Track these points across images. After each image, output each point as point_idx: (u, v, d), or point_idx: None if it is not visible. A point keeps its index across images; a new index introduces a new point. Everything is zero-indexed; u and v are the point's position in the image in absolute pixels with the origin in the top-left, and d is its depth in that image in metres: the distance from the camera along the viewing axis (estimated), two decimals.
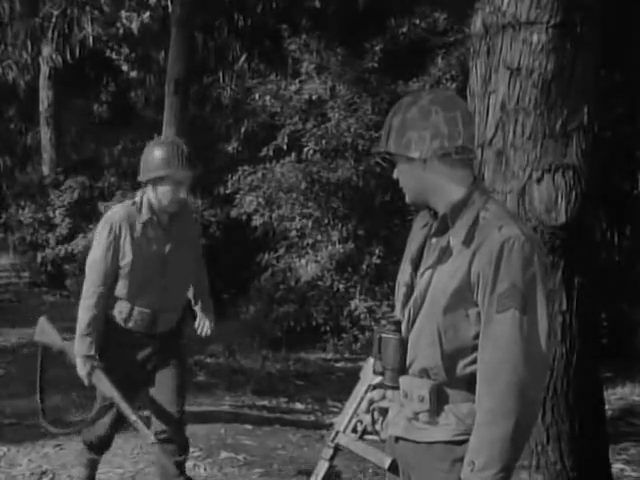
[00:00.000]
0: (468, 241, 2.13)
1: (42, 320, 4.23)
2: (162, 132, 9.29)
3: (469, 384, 2.13)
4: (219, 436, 5.62)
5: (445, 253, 2.16)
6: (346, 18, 9.07)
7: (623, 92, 7.83)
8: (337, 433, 2.36)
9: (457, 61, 7.76)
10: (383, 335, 2.21)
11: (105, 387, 3.96)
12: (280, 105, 8.91)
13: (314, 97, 8.68)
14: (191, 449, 5.24)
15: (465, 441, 2.13)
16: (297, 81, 8.97)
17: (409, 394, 2.18)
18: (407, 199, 2.29)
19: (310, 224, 8.69)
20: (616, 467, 4.87)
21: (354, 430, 2.34)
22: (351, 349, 8.44)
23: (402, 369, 2.19)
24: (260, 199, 8.87)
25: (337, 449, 2.37)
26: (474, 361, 2.13)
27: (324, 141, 8.49)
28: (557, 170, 3.99)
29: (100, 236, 3.96)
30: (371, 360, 2.32)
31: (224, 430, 5.76)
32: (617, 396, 6.88)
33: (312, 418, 6.40)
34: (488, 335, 2.09)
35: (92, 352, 3.92)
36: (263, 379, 7.50)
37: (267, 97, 9.13)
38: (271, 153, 8.96)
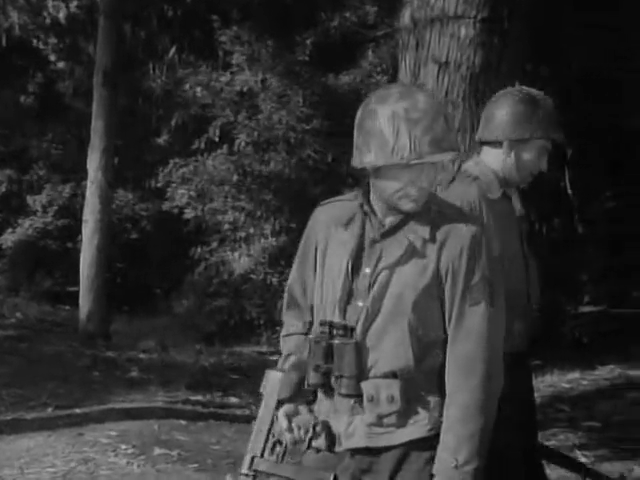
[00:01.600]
0: (432, 236, 2.12)
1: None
2: (91, 124, 9.14)
3: (433, 378, 2.14)
4: (153, 432, 5.57)
5: (407, 251, 2.12)
6: (277, 10, 9.04)
7: (550, 86, 7.98)
8: (253, 459, 2.14)
9: (387, 54, 7.82)
10: (336, 342, 2.11)
11: None
12: (211, 97, 8.86)
13: (245, 89, 8.65)
14: (124, 446, 5.22)
15: (436, 435, 2.13)
16: (228, 73, 8.92)
17: (375, 397, 2.12)
18: (415, 207, 2.12)
19: (243, 217, 8.67)
20: None
21: (272, 452, 2.15)
22: (276, 342, 8.47)
23: (360, 374, 2.12)
24: (192, 192, 8.81)
25: (255, 478, 2.15)
26: (439, 355, 2.14)
27: (256, 133, 8.47)
28: None
29: None
30: (272, 374, 2.20)
31: (158, 426, 5.72)
32: (546, 384, 7.03)
33: (247, 412, 6.39)
34: (461, 329, 2.10)
35: None
36: (197, 374, 7.45)
37: (198, 88, 9.07)
38: (202, 146, 8.90)
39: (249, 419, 6.13)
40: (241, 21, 9.24)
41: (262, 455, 2.14)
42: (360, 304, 2.14)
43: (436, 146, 2.06)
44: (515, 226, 2.92)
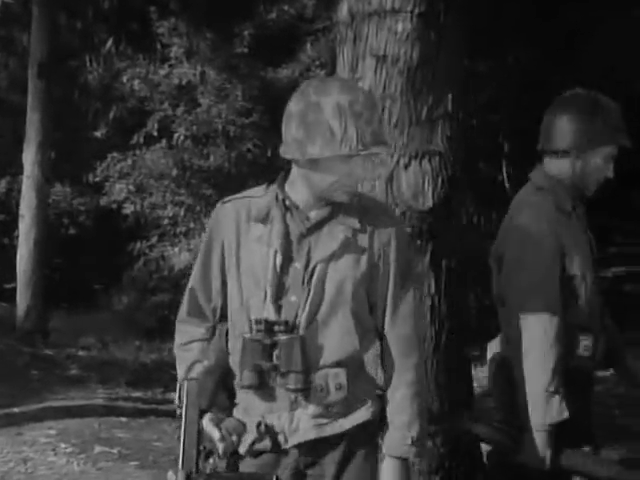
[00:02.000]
0: (363, 227, 2.17)
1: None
2: (26, 117, 8.96)
3: (369, 363, 2.22)
4: (93, 430, 5.52)
5: (342, 244, 2.17)
6: (215, 2, 8.97)
7: (487, 81, 8.08)
8: (189, 476, 2.03)
9: (326, 48, 7.83)
10: (282, 338, 2.11)
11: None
12: (149, 90, 8.75)
13: (184, 82, 8.57)
14: (63, 445, 5.17)
15: (380, 419, 2.21)
16: (166, 65, 8.83)
17: (325, 387, 2.16)
18: (347, 198, 2.18)
19: (182, 212, 8.60)
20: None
21: (206, 465, 2.09)
22: None
23: (308, 367, 2.13)
24: (130, 187, 8.71)
25: None
26: (373, 340, 2.22)
27: (195, 127, 8.40)
28: (424, 156, 4.08)
29: (536, 234, 2.65)
30: (189, 384, 2.12)
31: (98, 424, 5.67)
32: (485, 374, 7.11)
33: None
34: (398, 313, 2.21)
35: (562, 417, 2.59)
36: (137, 370, 7.40)
37: (136, 81, 8.95)
38: (141, 140, 8.79)
39: None
40: (179, 13, 9.14)
41: (197, 470, 2.08)
42: (294, 299, 2.16)
43: (376, 138, 2.11)
44: (587, 238, 2.79)
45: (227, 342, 2.25)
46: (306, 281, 2.16)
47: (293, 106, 2.16)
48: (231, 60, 8.49)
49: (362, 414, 2.20)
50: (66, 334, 8.91)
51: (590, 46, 7.45)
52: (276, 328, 2.12)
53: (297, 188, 2.20)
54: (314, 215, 2.19)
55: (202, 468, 2.09)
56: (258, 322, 2.12)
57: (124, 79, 9.18)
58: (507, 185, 9.25)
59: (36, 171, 8.87)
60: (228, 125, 8.22)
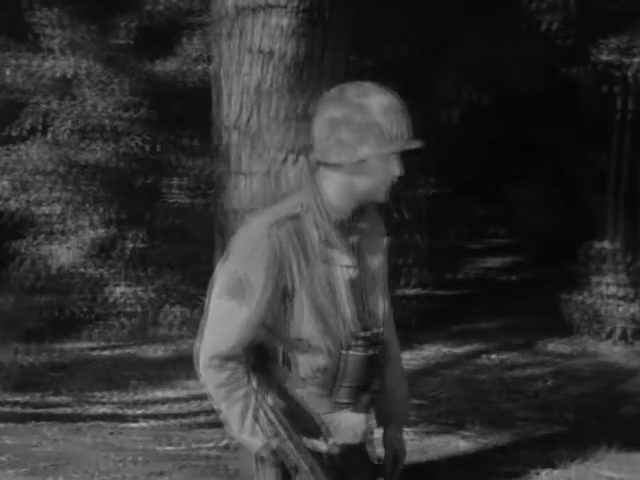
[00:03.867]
0: (385, 230, 2.30)
1: None
2: None
3: None
4: None
5: (383, 252, 2.27)
6: None
7: (375, 76, 8.13)
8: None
9: (213, 41, 7.70)
10: (380, 350, 2.18)
11: None
12: (28, 82, 8.43)
13: (69, 75, 8.29)
14: None
15: None
16: (50, 57, 8.52)
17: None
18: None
19: (66, 209, 8.33)
20: None
21: None
22: (107, 337, 8.22)
23: None
24: (14, 182, 8.38)
25: None
26: None
27: (80, 121, 8.15)
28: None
29: None
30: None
31: None
32: None
33: (69, 411, 6.18)
34: (392, 316, 2.33)
35: None
36: (15, 374, 7.11)
37: (16, 73, 8.60)
38: (23, 133, 8.46)
39: (71, 418, 5.93)
40: (61, 3, 8.85)
41: None
42: (368, 310, 2.22)
43: (413, 134, 2.20)
44: None
45: (280, 361, 2.19)
46: (368, 293, 2.22)
47: (334, 111, 2.14)
48: (115, 53, 8.27)
49: None
50: None
51: (466, 45, 7.64)
52: (373, 340, 2.18)
53: (335, 197, 2.18)
54: (360, 225, 2.23)
55: None
56: (356, 337, 2.16)
57: (3, 70, 8.81)
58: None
59: None
60: (114, 120, 8.01)
